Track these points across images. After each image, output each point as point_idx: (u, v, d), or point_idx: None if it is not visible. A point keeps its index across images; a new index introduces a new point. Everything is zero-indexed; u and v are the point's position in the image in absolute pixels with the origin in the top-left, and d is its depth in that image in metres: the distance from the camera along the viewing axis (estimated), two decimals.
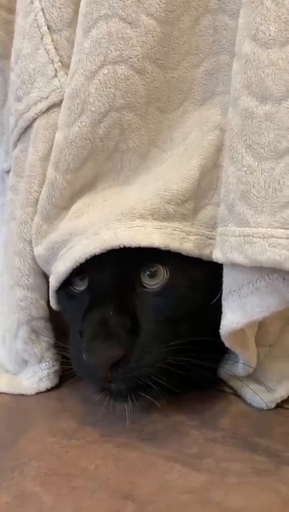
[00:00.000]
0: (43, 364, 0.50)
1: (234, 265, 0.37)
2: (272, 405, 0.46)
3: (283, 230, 0.32)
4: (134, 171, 0.47)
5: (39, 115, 0.48)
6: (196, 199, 0.43)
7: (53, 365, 0.50)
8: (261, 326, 0.48)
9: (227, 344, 0.40)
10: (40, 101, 0.47)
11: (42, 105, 0.47)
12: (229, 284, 0.38)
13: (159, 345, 0.41)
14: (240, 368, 0.45)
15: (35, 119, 0.48)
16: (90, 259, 0.41)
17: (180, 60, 0.45)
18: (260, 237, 0.33)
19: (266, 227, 0.33)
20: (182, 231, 0.42)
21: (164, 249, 0.40)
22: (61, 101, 0.46)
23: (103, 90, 0.44)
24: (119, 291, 0.42)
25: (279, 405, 0.46)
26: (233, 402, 0.47)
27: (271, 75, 0.34)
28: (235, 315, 0.37)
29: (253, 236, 0.34)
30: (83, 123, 0.45)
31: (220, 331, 0.39)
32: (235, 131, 0.36)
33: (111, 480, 0.36)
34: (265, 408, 0.45)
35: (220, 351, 0.47)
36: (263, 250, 0.33)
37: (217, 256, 0.37)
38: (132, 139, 0.46)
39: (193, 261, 0.42)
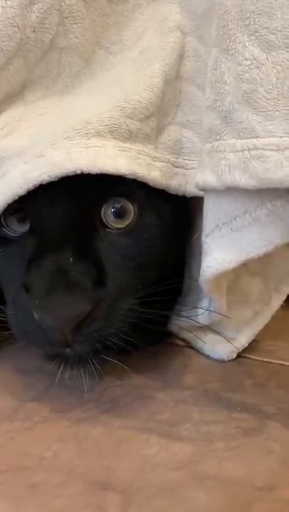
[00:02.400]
0: None
1: (226, 192, 0.30)
2: (234, 356, 0.42)
3: None
4: (76, 78, 0.37)
5: None
6: (159, 116, 0.35)
7: None
8: None
9: (206, 289, 0.34)
10: None
11: None
12: (215, 216, 0.32)
13: (128, 297, 0.34)
14: (201, 317, 0.40)
15: None
16: (32, 191, 0.31)
17: None
18: (273, 150, 0.27)
19: (281, 137, 0.26)
20: (147, 155, 0.34)
21: (130, 177, 0.32)
22: None
23: None
24: (77, 231, 0.33)
25: (240, 355, 0.42)
26: (191, 356, 0.42)
27: None
28: (225, 253, 0.31)
29: (263, 149, 0.27)
30: (9, 2, 0.33)
31: (202, 273, 0.33)
32: (233, 15, 0.28)
33: (79, 467, 0.29)
34: (226, 359, 0.41)
35: (174, 299, 0.42)
36: (278, 166, 0.26)
37: (207, 180, 0.30)
38: (74, 32, 0.36)
39: (158, 195, 0.35)
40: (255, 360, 0.42)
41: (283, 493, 0.27)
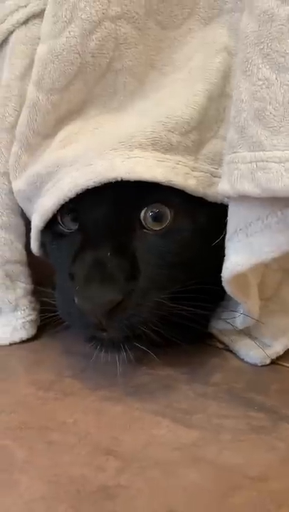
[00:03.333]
0: (18, 313, 0.46)
1: (242, 200, 0.32)
2: (267, 361, 0.42)
3: None
4: (130, 96, 0.41)
5: (16, 27, 0.41)
6: (200, 130, 0.38)
7: (30, 314, 0.46)
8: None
9: (228, 291, 0.36)
10: (17, 10, 0.41)
11: (19, 15, 0.41)
12: (235, 222, 0.34)
13: (158, 292, 0.37)
14: (238, 320, 0.42)
15: (11, 32, 0.42)
16: (82, 195, 0.36)
17: None
18: (275, 162, 0.28)
19: (283, 150, 0.28)
20: (186, 165, 0.37)
21: (167, 184, 0.36)
22: (42, 11, 0.40)
23: None
24: (117, 231, 0.37)
25: (274, 362, 0.42)
26: (226, 358, 0.44)
27: None
28: (240, 256, 0.33)
29: (267, 161, 0.29)
30: (72, 33, 0.39)
31: (222, 275, 0.35)
32: (251, 39, 0.31)
33: (91, 435, 0.33)
34: (259, 364, 0.42)
35: (214, 302, 0.44)
36: (279, 176, 0.28)
37: (224, 188, 0.33)
38: (128, 56, 0.40)
39: (196, 201, 0.37)
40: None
41: (272, 484, 0.28)
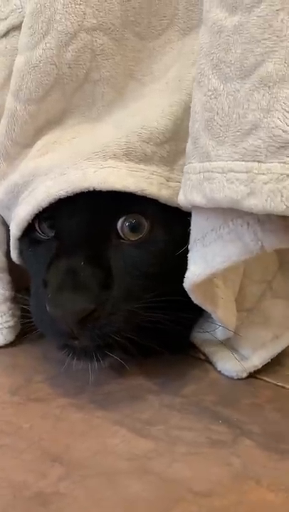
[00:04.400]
0: None
1: (199, 210, 0.32)
2: (244, 374, 0.41)
3: (243, 163, 0.27)
4: (108, 106, 0.42)
5: None
6: (176, 140, 0.37)
7: (7, 321, 0.46)
8: (240, 289, 0.44)
9: (194, 300, 0.35)
10: None
11: (0, 27, 0.42)
12: (194, 232, 0.33)
13: (132, 301, 0.37)
14: (218, 331, 0.41)
15: None
16: (59, 203, 0.36)
17: None
18: (218, 172, 0.28)
19: (226, 160, 0.28)
20: (160, 176, 0.37)
21: (140, 194, 0.35)
22: (22, 23, 0.41)
23: (72, 7, 0.39)
24: (92, 240, 0.37)
25: (252, 375, 0.41)
26: (207, 370, 0.42)
27: None
28: (196, 266, 0.32)
29: (212, 171, 0.28)
30: (48, 45, 0.40)
31: (184, 284, 0.34)
32: (204, 51, 0.31)
33: (44, 441, 0.32)
34: (235, 377, 0.41)
35: (194, 312, 0.43)
36: (221, 187, 0.28)
37: (180, 198, 0.33)
38: (106, 67, 0.41)
39: (173, 212, 0.37)
40: (266, 382, 0.41)
41: (215, 501, 0.27)
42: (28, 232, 0.41)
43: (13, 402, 0.37)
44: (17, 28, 0.42)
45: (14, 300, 0.47)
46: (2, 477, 0.29)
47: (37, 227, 0.41)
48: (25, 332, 0.47)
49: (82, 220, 0.38)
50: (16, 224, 0.40)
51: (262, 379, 0.41)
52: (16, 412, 0.36)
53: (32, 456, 0.31)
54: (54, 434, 0.33)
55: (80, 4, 0.39)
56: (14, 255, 0.43)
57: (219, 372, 0.42)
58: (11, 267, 0.46)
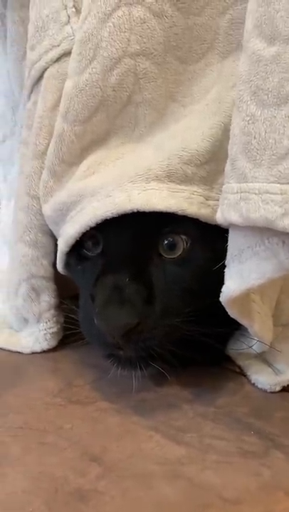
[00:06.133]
0: (41, 324, 0.49)
1: (237, 228, 0.33)
2: (277, 388, 0.42)
3: (278, 185, 0.29)
4: (150, 128, 0.44)
5: (50, 64, 0.46)
6: (217, 161, 0.39)
7: (51, 327, 0.49)
8: (277, 304, 0.44)
9: (231, 314, 0.36)
10: (51, 49, 0.45)
11: (53, 53, 0.45)
12: (232, 249, 0.35)
13: (173, 316, 0.39)
14: (256, 345, 0.42)
15: (46, 69, 0.46)
16: (105, 222, 0.39)
17: (204, 5, 0.42)
18: (255, 193, 0.30)
19: (262, 182, 0.29)
20: (201, 195, 0.38)
21: (181, 213, 0.37)
22: (72, 49, 0.44)
23: (117, 34, 0.41)
24: (135, 257, 0.40)
25: (285, 389, 0.41)
26: (242, 383, 0.43)
27: (281, 11, 0.30)
28: (233, 282, 0.34)
29: (248, 192, 0.30)
30: (94, 69, 0.42)
31: (220, 299, 0.35)
32: (243, 78, 0.32)
33: (83, 441, 0.34)
34: (268, 390, 0.42)
35: (231, 326, 0.44)
36: (257, 207, 0.29)
37: (218, 217, 0.34)
38: (148, 90, 0.43)
39: (213, 229, 0.38)
40: None
41: (244, 509, 0.28)
42: (76, 248, 0.43)
43: (55, 404, 0.39)
44: (68, 54, 0.45)
45: (59, 307, 0.49)
46: (44, 472, 0.31)
47: (84, 244, 0.43)
48: (65, 338, 0.50)
49: (126, 239, 0.40)
50: (65, 240, 0.43)
51: None
52: (57, 413, 0.38)
53: (72, 454, 0.33)
54: (92, 436, 0.35)
55: (125, 32, 0.41)
56: (60, 267, 0.46)
57: (253, 385, 0.43)
58: (57, 276, 0.49)
